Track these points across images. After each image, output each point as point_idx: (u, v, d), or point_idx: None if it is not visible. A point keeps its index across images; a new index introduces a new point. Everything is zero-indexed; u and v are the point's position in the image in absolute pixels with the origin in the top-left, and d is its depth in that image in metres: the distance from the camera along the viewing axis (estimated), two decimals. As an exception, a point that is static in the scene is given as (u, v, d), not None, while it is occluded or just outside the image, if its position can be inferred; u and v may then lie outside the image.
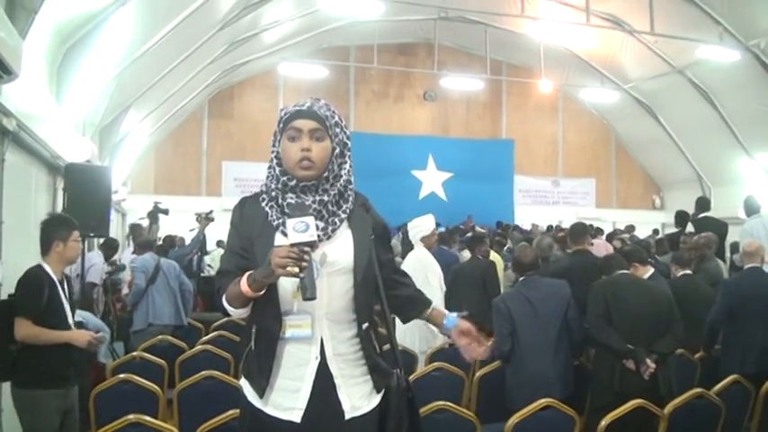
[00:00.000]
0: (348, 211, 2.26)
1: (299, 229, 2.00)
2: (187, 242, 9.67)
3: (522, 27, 15.61)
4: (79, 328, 4.36)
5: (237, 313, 2.19)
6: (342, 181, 2.25)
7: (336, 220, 2.22)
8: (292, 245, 1.99)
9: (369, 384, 2.25)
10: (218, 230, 10.63)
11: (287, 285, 2.12)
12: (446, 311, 2.51)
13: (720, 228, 8.19)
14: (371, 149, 15.17)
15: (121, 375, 4.11)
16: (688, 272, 5.86)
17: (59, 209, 6.44)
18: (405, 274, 2.59)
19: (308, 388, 2.16)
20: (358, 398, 2.21)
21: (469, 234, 11.03)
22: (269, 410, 2.18)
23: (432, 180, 17.90)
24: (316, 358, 2.17)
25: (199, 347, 5.25)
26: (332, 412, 2.16)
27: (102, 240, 8.31)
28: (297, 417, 2.15)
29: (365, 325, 2.26)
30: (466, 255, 8.52)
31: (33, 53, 5.35)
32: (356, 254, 2.22)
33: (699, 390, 3.93)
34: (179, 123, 16.18)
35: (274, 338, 2.17)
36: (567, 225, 14.22)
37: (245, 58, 14.57)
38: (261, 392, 2.18)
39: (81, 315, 6.12)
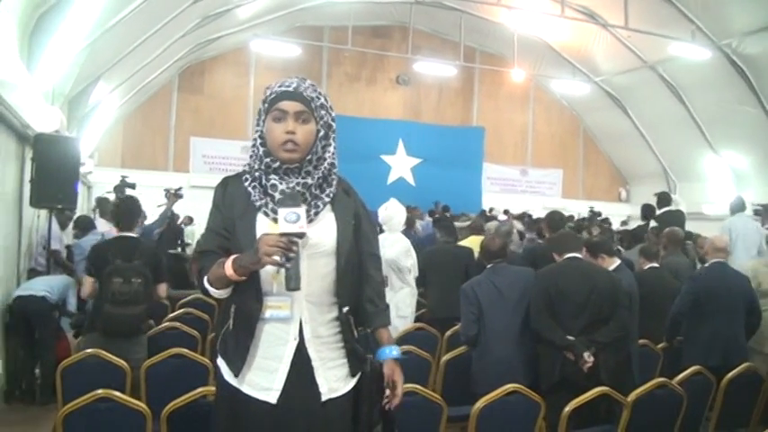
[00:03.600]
0: (331, 194, 2.26)
1: (289, 220, 2.00)
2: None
3: (498, 15, 15.67)
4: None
5: (219, 294, 2.18)
6: (326, 164, 2.25)
7: (320, 203, 2.22)
8: (282, 234, 1.99)
9: (345, 368, 2.25)
10: (186, 207, 10.60)
11: (268, 267, 2.09)
12: (386, 339, 2.41)
13: (681, 219, 8.41)
14: (341, 132, 14.80)
15: (89, 350, 4.06)
16: (655, 264, 5.93)
17: (27, 179, 6.34)
18: (379, 281, 2.49)
19: (286, 369, 2.16)
20: (335, 380, 2.22)
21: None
22: (245, 389, 2.18)
23: (401, 165, 17.85)
24: (294, 339, 2.17)
25: (166, 324, 5.20)
26: (308, 394, 2.16)
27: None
28: (273, 398, 2.15)
29: (345, 309, 2.26)
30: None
31: (5, 18, 5.22)
32: (339, 237, 2.22)
33: (661, 379, 4.00)
34: (148, 97, 15.92)
35: (254, 318, 2.16)
36: (535, 214, 14.44)
37: (217, 33, 14.36)
38: (237, 372, 2.18)
39: (47, 283, 6.08)
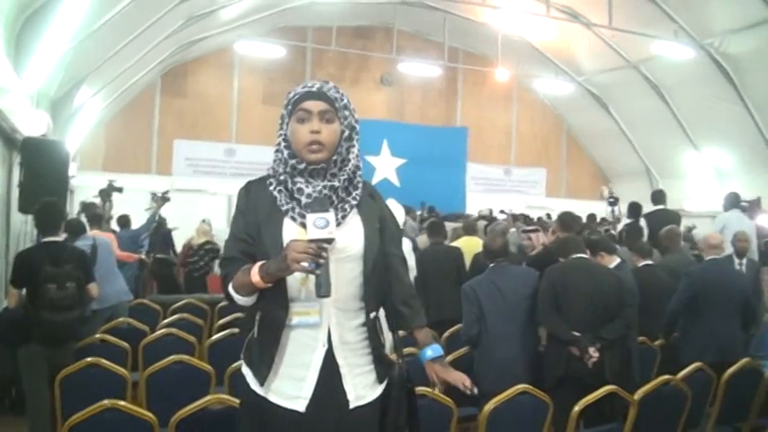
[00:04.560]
0: (358, 197, 2.23)
1: (318, 225, 1.97)
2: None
3: (482, 16, 15.69)
4: None
5: (244, 301, 2.14)
6: (350, 166, 2.21)
7: (347, 206, 2.18)
8: (310, 240, 1.96)
9: (372, 374, 2.21)
10: (170, 210, 10.45)
11: (296, 273, 2.05)
12: (428, 340, 2.39)
13: (675, 218, 8.41)
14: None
15: (89, 359, 3.98)
16: (649, 262, 5.95)
17: (15, 184, 6.24)
18: (408, 283, 2.47)
19: (314, 376, 2.11)
20: (362, 387, 2.18)
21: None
22: (272, 398, 2.13)
23: (385, 166, 17.73)
24: (323, 346, 2.12)
25: (163, 330, 5.13)
26: (337, 401, 2.12)
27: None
28: (301, 406, 2.10)
29: (372, 314, 2.22)
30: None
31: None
32: (366, 241, 2.19)
33: (666, 376, 4.00)
34: (130, 99, 15.69)
35: (280, 326, 2.12)
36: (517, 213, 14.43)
37: (201, 34, 14.22)
38: (262, 380, 2.13)
39: None
